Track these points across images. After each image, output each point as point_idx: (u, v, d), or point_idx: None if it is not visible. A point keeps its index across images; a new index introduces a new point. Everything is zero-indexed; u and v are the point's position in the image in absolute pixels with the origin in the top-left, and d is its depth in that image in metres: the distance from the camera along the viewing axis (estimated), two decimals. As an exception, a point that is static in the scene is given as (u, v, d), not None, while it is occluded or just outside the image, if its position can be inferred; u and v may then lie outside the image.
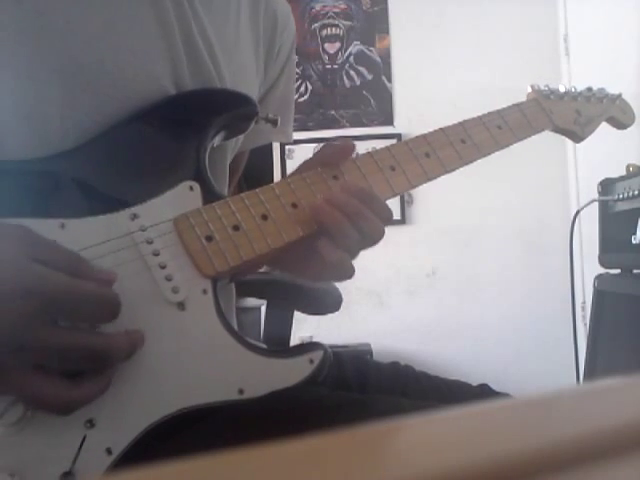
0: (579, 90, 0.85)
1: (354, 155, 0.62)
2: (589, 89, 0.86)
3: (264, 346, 0.57)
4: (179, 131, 0.59)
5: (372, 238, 0.57)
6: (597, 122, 0.85)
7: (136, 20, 0.59)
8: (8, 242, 0.43)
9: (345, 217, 0.55)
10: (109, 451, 0.46)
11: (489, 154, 0.70)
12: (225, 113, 0.61)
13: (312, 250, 0.57)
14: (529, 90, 0.81)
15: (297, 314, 0.94)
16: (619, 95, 0.88)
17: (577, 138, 0.83)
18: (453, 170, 0.67)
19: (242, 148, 0.76)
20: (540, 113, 0.78)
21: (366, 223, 0.56)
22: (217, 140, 0.62)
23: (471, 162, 0.68)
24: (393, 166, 0.63)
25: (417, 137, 0.66)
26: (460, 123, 0.69)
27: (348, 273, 0.57)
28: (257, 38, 0.73)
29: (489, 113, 0.72)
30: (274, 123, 0.70)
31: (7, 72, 0.54)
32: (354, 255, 0.58)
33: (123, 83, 0.57)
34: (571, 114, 0.82)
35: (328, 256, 0.55)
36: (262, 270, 0.67)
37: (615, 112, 0.87)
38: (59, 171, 0.53)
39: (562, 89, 0.83)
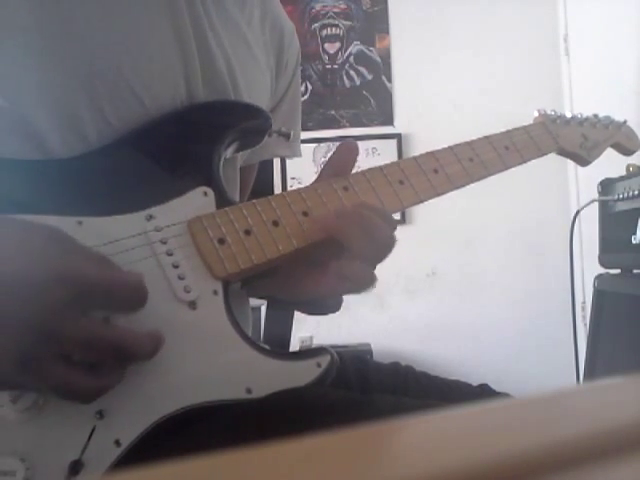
0: (585, 116, 0.87)
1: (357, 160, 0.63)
2: (595, 115, 0.88)
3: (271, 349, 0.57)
4: (196, 139, 0.60)
5: (385, 244, 0.57)
6: (603, 147, 0.87)
7: (154, 27, 0.60)
8: (44, 237, 0.44)
9: (354, 224, 0.56)
10: (118, 443, 0.47)
11: (496, 173, 0.72)
12: (241, 124, 0.63)
13: (325, 266, 0.57)
14: (536, 114, 0.83)
15: (297, 314, 0.93)
16: (624, 122, 0.91)
17: (584, 162, 0.85)
18: (461, 187, 0.69)
19: (250, 161, 0.77)
20: (546, 136, 0.79)
21: (376, 229, 0.57)
22: (231, 150, 0.64)
23: (478, 180, 0.70)
24: (402, 180, 0.65)
25: (426, 153, 0.68)
26: (468, 143, 0.71)
27: (369, 283, 0.56)
28: (267, 51, 0.75)
29: (496, 134, 0.74)
30: (286, 136, 0.72)
31: (29, 74, 0.55)
32: (373, 266, 0.58)
33: (139, 88, 0.58)
34: (577, 138, 0.83)
35: (346, 268, 0.56)
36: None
37: (621, 138, 0.89)
38: (79, 171, 0.55)
39: (568, 115, 0.84)
